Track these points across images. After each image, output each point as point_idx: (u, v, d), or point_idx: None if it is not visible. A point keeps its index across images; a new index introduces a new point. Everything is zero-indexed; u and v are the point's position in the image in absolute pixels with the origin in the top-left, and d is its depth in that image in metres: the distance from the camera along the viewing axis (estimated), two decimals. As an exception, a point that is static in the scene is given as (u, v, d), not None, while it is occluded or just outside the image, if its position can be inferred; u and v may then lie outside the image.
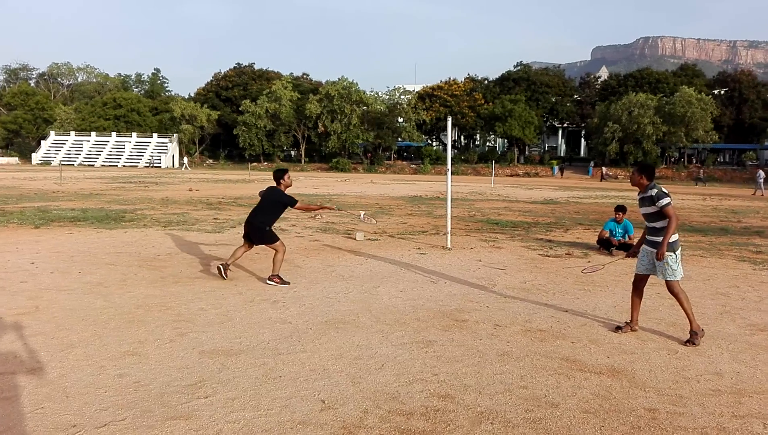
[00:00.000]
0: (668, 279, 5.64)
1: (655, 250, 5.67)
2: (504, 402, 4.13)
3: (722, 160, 72.07)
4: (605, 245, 10.89)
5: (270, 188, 7.96)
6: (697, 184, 47.85)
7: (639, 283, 5.91)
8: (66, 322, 5.80)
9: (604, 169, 57.98)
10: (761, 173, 37.38)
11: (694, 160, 67.11)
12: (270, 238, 7.82)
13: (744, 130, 69.30)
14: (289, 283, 7.76)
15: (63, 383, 4.30)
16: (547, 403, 4.14)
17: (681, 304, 5.64)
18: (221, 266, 7.93)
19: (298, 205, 7.81)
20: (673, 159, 68.01)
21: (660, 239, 5.60)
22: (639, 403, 4.18)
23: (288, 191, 8.00)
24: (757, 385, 4.54)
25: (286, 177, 7.91)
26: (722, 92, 69.33)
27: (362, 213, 9.90)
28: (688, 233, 14.02)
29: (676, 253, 5.62)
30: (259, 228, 7.78)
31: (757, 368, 4.91)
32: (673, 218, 5.54)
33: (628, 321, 5.93)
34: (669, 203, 5.58)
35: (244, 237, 8.14)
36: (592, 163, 65.52)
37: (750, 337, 5.76)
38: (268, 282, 7.74)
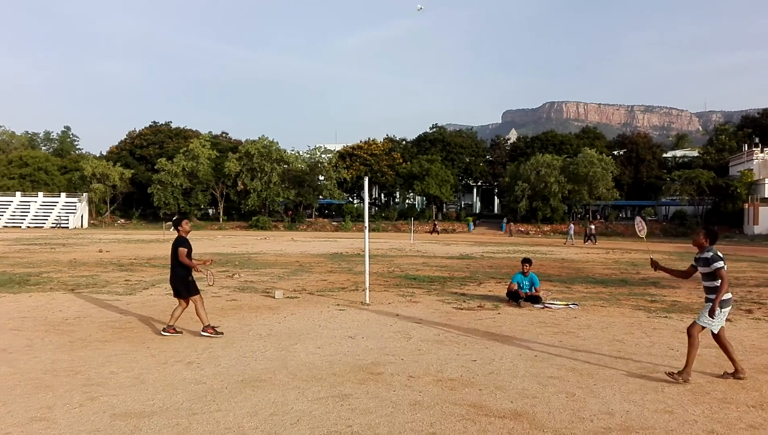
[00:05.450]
0: (697, 322, 6.19)
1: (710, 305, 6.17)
2: (414, 449, 4.32)
3: (624, 216, 76.84)
4: (514, 297, 11.46)
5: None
6: (586, 242, 42.81)
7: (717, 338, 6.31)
8: (-35, 390, 5.54)
9: (512, 225, 61.04)
10: (572, 226, 44.41)
11: (598, 216, 71.21)
12: (181, 290, 8.15)
13: (642, 188, 74.64)
14: (222, 333, 8.16)
15: (-38, 454, 4.13)
16: (455, 447, 4.36)
17: (688, 348, 6.15)
18: (164, 330, 8.23)
19: (180, 251, 7.99)
20: (579, 215, 72.07)
21: (713, 297, 6.14)
22: (538, 443, 4.48)
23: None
24: (644, 422, 4.97)
25: (184, 223, 8.24)
26: (622, 153, 74.72)
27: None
28: (591, 285, 14.93)
29: (723, 310, 6.16)
30: (173, 278, 8.24)
31: (645, 407, 5.36)
32: (725, 280, 6.10)
33: (732, 371, 6.29)
34: (722, 267, 6.15)
35: (174, 295, 8.45)
36: (505, 220, 68.30)
37: (640, 379, 6.27)
38: (203, 334, 8.07)
